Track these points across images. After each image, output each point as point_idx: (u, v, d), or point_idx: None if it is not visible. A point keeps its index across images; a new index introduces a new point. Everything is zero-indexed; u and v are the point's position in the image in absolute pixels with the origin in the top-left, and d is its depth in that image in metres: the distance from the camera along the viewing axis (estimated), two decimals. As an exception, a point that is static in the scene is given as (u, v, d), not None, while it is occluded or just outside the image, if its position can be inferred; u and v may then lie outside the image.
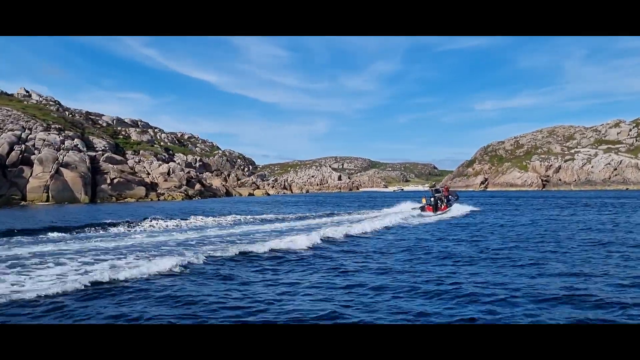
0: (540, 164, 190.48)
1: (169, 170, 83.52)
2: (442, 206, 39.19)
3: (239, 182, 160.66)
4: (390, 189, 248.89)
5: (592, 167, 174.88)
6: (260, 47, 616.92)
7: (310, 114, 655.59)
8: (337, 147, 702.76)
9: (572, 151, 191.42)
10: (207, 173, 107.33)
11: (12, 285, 11.31)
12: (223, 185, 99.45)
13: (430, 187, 44.67)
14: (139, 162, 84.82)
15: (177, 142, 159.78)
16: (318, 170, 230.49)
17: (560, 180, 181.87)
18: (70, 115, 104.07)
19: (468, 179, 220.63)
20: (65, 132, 78.01)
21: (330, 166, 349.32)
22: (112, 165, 72.36)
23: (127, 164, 78.43)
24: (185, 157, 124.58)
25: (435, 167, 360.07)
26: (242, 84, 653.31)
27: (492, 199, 75.12)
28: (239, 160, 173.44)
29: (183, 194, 76.03)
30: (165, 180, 79.65)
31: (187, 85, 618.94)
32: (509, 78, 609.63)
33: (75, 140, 75.28)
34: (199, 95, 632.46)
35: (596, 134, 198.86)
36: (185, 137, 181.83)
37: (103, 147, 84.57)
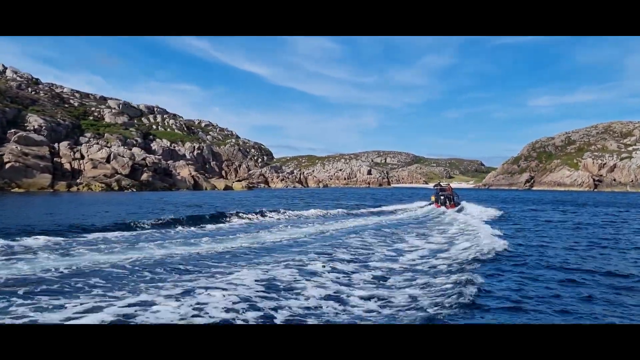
0: (593, 162, 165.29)
1: (109, 155, 67.86)
2: (450, 204, 37.97)
3: (249, 173, 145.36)
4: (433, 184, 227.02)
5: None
6: (309, 40, 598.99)
7: (359, 107, 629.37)
8: (385, 142, 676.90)
9: (630, 149, 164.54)
10: (181, 162, 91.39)
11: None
12: (191, 175, 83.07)
13: (435, 185, 45.36)
14: (71, 145, 69.30)
15: (186, 129, 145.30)
16: (347, 163, 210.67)
17: (614, 180, 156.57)
18: (33, 93, 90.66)
19: (512, 177, 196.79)
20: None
21: (372, 160, 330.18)
22: (15, 147, 57.02)
23: (50, 146, 63.06)
24: (167, 143, 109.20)
25: (482, 164, 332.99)
26: (291, 77, 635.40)
27: (538, 204, 54.86)
28: (252, 150, 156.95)
29: (104, 186, 59.79)
30: (95, 168, 63.88)
31: (237, 78, 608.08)
32: (567, 73, 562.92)
33: (-13, 116, 60.72)
34: (248, 87, 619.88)
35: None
36: (203, 125, 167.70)
37: (37, 126, 69.94)
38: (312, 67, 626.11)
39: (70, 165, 63.18)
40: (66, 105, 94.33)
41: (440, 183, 51.09)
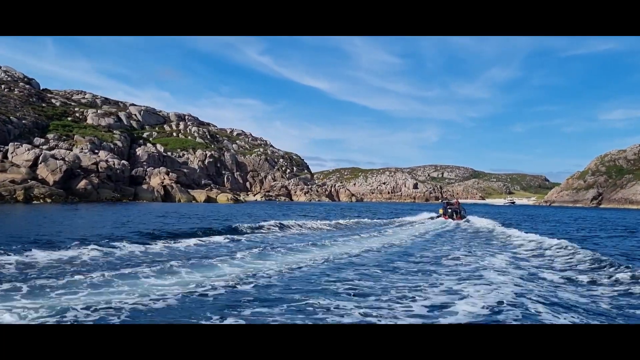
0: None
1: (36, 157, 53.03)
2: (457, 216, 38.47)
3: (273, 184, 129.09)
4: (498, 200, 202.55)
5: None
6: (371, 54, 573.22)
7: (421, 121, 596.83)
8: (445, 156, 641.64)
9: None
10: (161, 168, 75.36)
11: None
12: (162, 185, 67.06)
13: (443, 200, 47.37)
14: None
15: (209, 137, 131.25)
16: (391, 176, 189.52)
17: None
18: (6, 90, 78.25)
19: (577, 193, 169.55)
20: None
21: (429, 174, 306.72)
22: None
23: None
24: (160, 149, 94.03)
25: (546, 180, 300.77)
26: (352, 91, 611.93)
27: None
28: (281, 160, 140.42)
29: (-6, 194, 44.11)
30: (3, 171, 48.96)
31: (298, 92, 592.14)
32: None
33: None
34: (309, 101, 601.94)
35: None
36: (234, 133, 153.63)
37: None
38: (374, 81, 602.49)
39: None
40: (43, 105, 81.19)
41: (448, 198, 43.15)
